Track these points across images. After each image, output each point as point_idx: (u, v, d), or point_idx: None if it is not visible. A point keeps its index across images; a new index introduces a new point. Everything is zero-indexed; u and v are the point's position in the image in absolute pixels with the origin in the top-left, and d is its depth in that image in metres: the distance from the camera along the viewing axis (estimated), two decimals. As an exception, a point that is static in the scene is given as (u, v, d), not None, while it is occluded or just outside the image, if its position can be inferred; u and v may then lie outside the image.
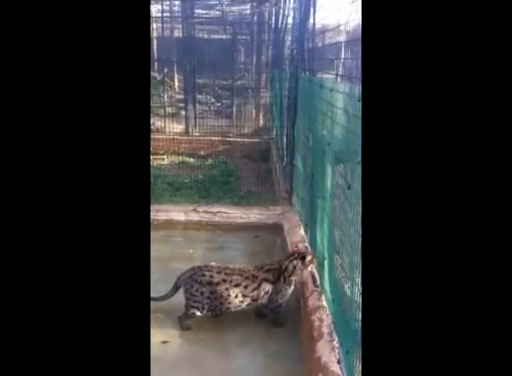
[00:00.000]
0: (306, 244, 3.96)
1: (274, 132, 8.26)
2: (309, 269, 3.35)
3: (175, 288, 3.36)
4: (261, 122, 9.74)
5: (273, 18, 8.74)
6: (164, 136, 7.80)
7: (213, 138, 8.22)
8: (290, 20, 6.68)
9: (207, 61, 10.79)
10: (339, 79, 3.07)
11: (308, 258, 3.35)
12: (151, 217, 4.62)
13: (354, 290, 2.17)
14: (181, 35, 10.20)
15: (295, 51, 5.08)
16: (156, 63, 12.44)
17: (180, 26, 10.49)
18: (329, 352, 2.48)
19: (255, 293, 3.23)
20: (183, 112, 9.72)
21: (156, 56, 12.76)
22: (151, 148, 7.45)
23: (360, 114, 1.74)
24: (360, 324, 1.96)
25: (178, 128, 9.20)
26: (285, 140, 5.98)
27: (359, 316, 2.04)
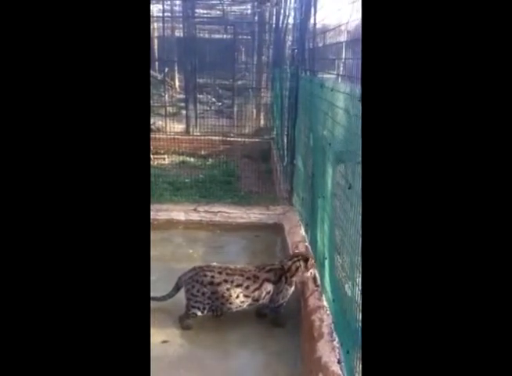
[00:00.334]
0: (307, 244, 3.96)
1: (275, 132, 8.26)
2: (308, 273, 3.35)
3: (176, 288, 3.36)
4: (262, 122, 9.74)
5: (274, 18, 8.73)
6: (164, 136, 7.79)
7: (213, 137, 8.21)
8: (290, 20, 6.68)
9: (208, 61, 10.80)
10: (340, 79, 3.07)
11: (311, 261, 3.36)
12: (151, 217, 4.63)
13: (354, 290, 2.17)
14: (182, 35, 10.20)
15: (296, 51, 5.07)
16: (157, 63, 12.45)
17: (181, 25, 10.49)
18: (329, 352, 2.48)
19: (256, 293, 3.23)
20: (184, 112, 9.72)
21: (157, 55, 12.77)
22: (152, 148, 7.46)
23: (360, 114, 1.74)
24: (360, 324, 1.96)
25: (179, 127, 9.20)
26: (286, 140, 5.98)
27: (360, 316, 2.04)
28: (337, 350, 2.47)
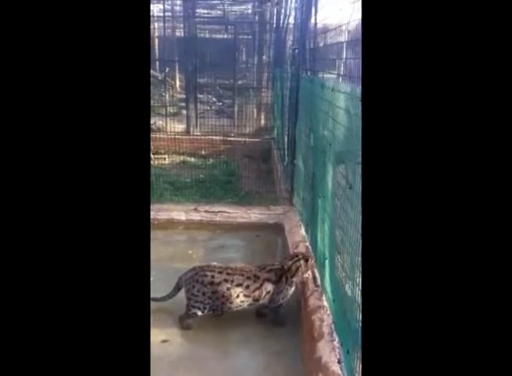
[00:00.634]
0: (307, 244, 3.96)
1: (275, 132, 8.26)
2: (306, 274, 3.35)
3: (177, 288, 3.36)
4: (263, 122, 9.74)
5: (275, 18, 8.74)
6: (165, 136, 7.79)
7: (214, 137, 8.21)
8: (291, 20, 6.68)
9: (209, 61, 10.81)
10: (340, 79, 3.06)
11: (311, 261, 3.37)
12: (152, 216, 4.63)
13: (355, 290, 2.17)
14: (182, 35, 10.20)
15: (296, 51, 5.07)
16: (157, 63, 12.46)
17: (182, 25, 10.49)
18: (329, 351, 2.48)
19: (257, 293, 3.23)
20: (184, 111, 9.72)
21: (157, 55, 12.79)
22: (152, 147, 7.46)
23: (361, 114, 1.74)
24: (360, 324, 1.96)
25: (180, 127, 9.20)
26: (286, 140, 5.97)
27: (360, 316, 2.04)
28: (337, 350, 2.47)
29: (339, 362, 2.38)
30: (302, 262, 3.32)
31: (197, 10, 10.78)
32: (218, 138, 8.13)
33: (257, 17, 10.72)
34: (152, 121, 8.78)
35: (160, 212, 5.00)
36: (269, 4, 9.16)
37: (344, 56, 2.99)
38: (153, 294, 3.26)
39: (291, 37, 6.47)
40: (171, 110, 10.10)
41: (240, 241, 4.82)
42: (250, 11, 11.96)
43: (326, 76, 3.55)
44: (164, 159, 7.79)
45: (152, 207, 4.75)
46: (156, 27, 12.21)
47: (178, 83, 13.48)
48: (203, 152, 8.27)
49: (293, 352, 3.02)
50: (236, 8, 12.22)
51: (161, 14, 10.74)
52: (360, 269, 2.01)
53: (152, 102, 9.81)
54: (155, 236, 4.40)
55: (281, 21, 7.81)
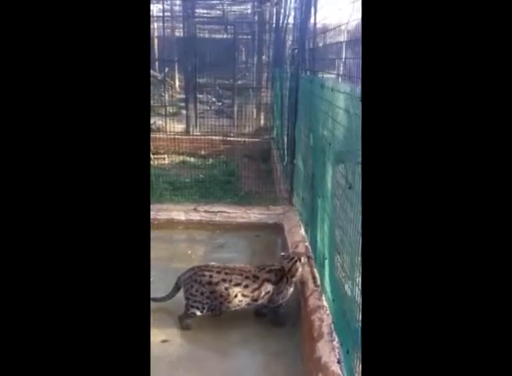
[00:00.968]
0: (307, 244, 3.96)
1: (275, 132, 8.26)
2: (300, 270, 3.34)
3: (176, 289, 3.37)
4: (262, 122, 9.74)
5: (274, 18, 8.74)
6: (164, 136, 7.79)
7: (214, 137, 8.21)
8: (290, 20, 6.68)
9: (208, 61, 10.81)
10: (340, 79, 3.06)
11: (305, 259, 3.37)
12: (151, 216, 4.63)
13: (354, 290, 2.17)
14: (182, 35, 10.20)
15: (296, 51, 5.07)
16: (157, 63, 12.45)
17: (181, 25, 10.49)
18: (329, 351, 2.48)
19: (256, 293, 3.23)
20: (184, 111, 9.72)
21: (157, 55, 12.78)
22: (152, 147, 7.46)
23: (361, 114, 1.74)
24: (360, 324, 1.96)
25: (179, 127, 9.20)
26: (286, 140, 5.97)
27: (359, 316, 2.04)
28: (337, 350, 2.47)
29: (339, 362, 2.38)
30: (299, 263, 3.32)
31: (197, 10, 10.78)
32: (217, 138, 8.12)
33: (256, 17, 10.72)
34: (151, 121, 8.78)
35: (159, 212, 5.00)
36: (269, 4, 9.16)
37: (344, 55, 2.99)
38: (152, 294, 3.26)
39: (291, 37, 6.47)
40: (171, 110, 10.09)
41: (240, 241, 4.82)
42: (249, 11, 11.96)
43: (325, 76, 3.55)
44: (164, 159, 7.79)
45: (151, 207, 4.75)
46: (155, 27, 12.20)
47: (177, 83, 13.48)
48: (202, 152, 8.27)
49: (293, 352, 3.02)
50: (235, 8, 12.22)
51: (161, 14, 10.73)
52: (360, 268, 2.01)
53: (151, 102, 9.80)
54: (154, 235, 4.37)
55: (280, 21, 7.82)
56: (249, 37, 12.01)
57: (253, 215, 5.15)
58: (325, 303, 3.01)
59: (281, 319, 3.35)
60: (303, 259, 3.36)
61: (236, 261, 3.93)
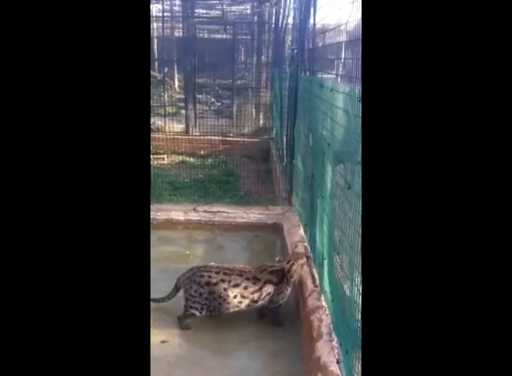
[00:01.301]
0: (306, 244, 3.96)
1: (274, 132, 8.26)
2: (297, 271, 3.36)
3: (176, 289, 3.37)
4: (261, 122, 9.74)
5: (273, 18, 8.73)
6: (164, 136, 7.79)
7: (213, 137, 8.21)
8: (290, 20, 6.68)
9: (208, 61, 10.78)
10: (339, 79, 3.07)
11: (301, 261, 3.38)
12: (151, 216, 4.63)
13: (353, 290, 2.17)
14: (181, 35, 10.21)
15: (295, 51, 5.07)
16: (156, 63, 12.44)
17: (180, 25, 10.49)
18: (328, 352, 2.48)
19: (256, 295, 3.23)
20: (183, 111, 9.72)
21: (156, 55, 12.77)
22: (151, 147, 7.46)
23: (360, 114, 1.74)
24: (359, 324, 1.96)
25: (179, 127, 9.20)
26: (285, 140, 5.97)
27: (359, 316, 2.04)
28: (336, 350, 2.47)
29: (338, 362, 2.38)
30: (295, 266, 3.34)
31: (196, 10, 10.77)
32: (216, 138, 8.12)
33: (256, 17, 10.72)
34: (151, 121, 8.78)
35: (158, 212, 5.00)
36: (268, 4, 9.16)
37: (343, 56, 2.99)
38: (152, 294, 3.26)
39: (290, 38, 6.47)
40: (170, 110, 10.09)
41: (239, 241, 4.82)
42: (249, 11, 11.95)
43: (324, 76, 3.55)
44: (163, 159, 7.79)
45: (151, 207, 4.75)
46: (155, 27, 12.19)
47: (176, 83, 13.47)
48: (202, 152, 8.27)
49: (292, 353, 3.02)
50: (234, 8, 12.21)
51: (160, 14, 10.74)
52: (359, 269, 2.01)
53: (151, 102, 9.80)
54: (154, 236, 4.38)
55: (280, 21, 7.82)
56: (248, 37, 12.00)
57: (252, 215, 5.15)
58: (324, 303, 3.01)
59: (280, 319, 3.35)
60: (300, 261, 3.38)
61: (235, 261, 3.93)
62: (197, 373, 2.85)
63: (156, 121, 9.02)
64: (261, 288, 3.24)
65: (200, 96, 10.99)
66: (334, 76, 3.22)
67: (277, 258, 3.62)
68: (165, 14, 11.01)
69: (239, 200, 5.68)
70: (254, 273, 3.28)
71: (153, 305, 3.25)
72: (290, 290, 3.34)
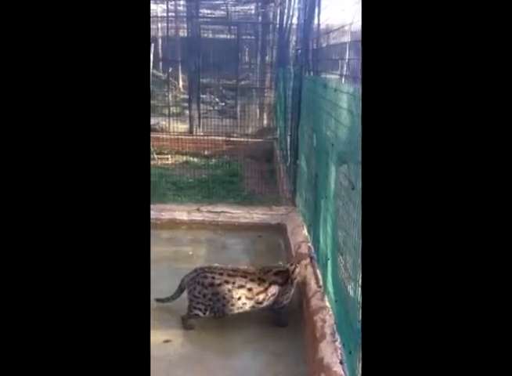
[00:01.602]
0: (309, 245, 3.96)
1: (278, 132, 8.26)
2: (297, 271, 3.36)
3: (180, 290, 3.37)
4: (265, 122, 9.74)
5: (278, 18, 8.75)
6: (168, 136, 7.81)
7: (217, 138, 8.22)
8: (294, 20, 6.69)
9: (212, 61, 10.81)
10: (343, 79, 3.06)
11: (304, 262, 3.38)
12: (154, 216, 4.64)
13: (357, 290, 2.17)
14: (186, 35, 10.22)
15: (299, 51, 5.07)
16: (160, 63, 12.47)
17: (185, 25, 10.51)
18: (331, 352, 2.47)
19: (261, 296, 3.22)
20: (187, 112, 9.73)
21: (160, 55, 12.79)
22: (155, 148, 7.48)
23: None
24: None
25: (182, 127, 9.21)
26: (289, 140, 5.97)
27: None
28: (340, 351, 2.47)
29: (341, 362, 2.37)
30: (305, 262, 3.34)
31: (200, 10, 10.78)
32: (220, 138, 8.13)
33: (260, 18, 10.73)
34: (155, 122, 8.80)
35: (162, 212, 5.01)
36: (272, 4, 9.17)
37: (347, 56, 2.99)
38: (156, 295, 3.27)
39: (294, 38, 6.48)
40: (174, 110, 10.11)
41: (243, 242, 4.82)
42: (253, 11, 11.96)
43: (328, 76, 3.55)
44: (167, 159, 7.81)
45: (154, 207, 4.76)
46: (159, 27, 12.23)
47: (181, 83, 13.49)
48: (205, 152, 8.27)
49: (295, 353, 3.02)
50: (239, 8, 12.21)
51: (165, 14, 10.75)
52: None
53: (155, 102, 9.84)
54: (157, 236, 4.41)
55: (284, 22, 7.82)
56: (253, 37, 12.01)
57: (256, 215, 5.15)
58: (327, 304, 3.00)
59: (283, 319, 3.34)
60: (304, 262, 3.38)
61: (239, 261, 3.93)
62: (199, 373, 2.85)
63: (160, 121, 9.04)
64: (266, 289, 3.23)
65: (204, 96, 11.00)
66: (338, 76, 3.22)
67: (279, 263, 3.62)
68: (170, 14, 11.02)
69: (243, 201, 5.68)
70: (259, 274, 3.28)
71: (156, 304, 3.26)
72: (293, 290, 3.34)
